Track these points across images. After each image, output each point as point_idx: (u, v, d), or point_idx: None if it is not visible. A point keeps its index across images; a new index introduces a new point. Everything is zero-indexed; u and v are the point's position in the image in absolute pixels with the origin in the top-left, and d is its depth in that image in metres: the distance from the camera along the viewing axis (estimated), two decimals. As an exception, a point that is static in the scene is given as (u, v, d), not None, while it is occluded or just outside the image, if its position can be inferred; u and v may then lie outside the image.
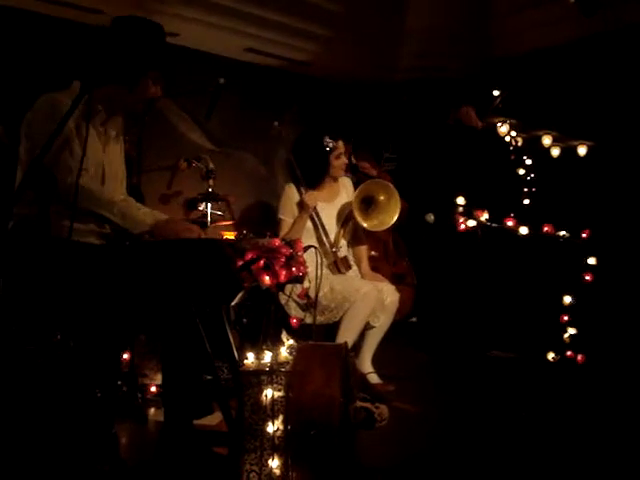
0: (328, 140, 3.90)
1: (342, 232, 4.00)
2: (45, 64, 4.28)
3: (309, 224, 3.93)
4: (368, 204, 3.97)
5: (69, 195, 2.23)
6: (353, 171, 4.70)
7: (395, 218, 3.93)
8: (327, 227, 3.95)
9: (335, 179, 4.04)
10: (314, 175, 3.95)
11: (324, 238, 3.92)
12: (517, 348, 4.60)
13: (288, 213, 3.93)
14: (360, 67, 5.74)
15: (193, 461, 2.30)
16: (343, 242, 4.01)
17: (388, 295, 3.81)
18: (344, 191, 4.11)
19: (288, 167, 4.13)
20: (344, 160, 3.99)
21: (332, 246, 3.91)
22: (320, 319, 3.70)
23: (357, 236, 4.11)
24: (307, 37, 5.24)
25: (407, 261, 5.22)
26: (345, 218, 4.02)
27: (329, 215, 3.97)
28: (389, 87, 6.06)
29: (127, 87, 2.48)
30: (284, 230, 3.91)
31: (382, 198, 3.95)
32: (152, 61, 2.50)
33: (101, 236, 2.49)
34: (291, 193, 3.96)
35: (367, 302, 3.65)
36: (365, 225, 3.92)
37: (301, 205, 3.89)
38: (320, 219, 3.93)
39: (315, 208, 3.90)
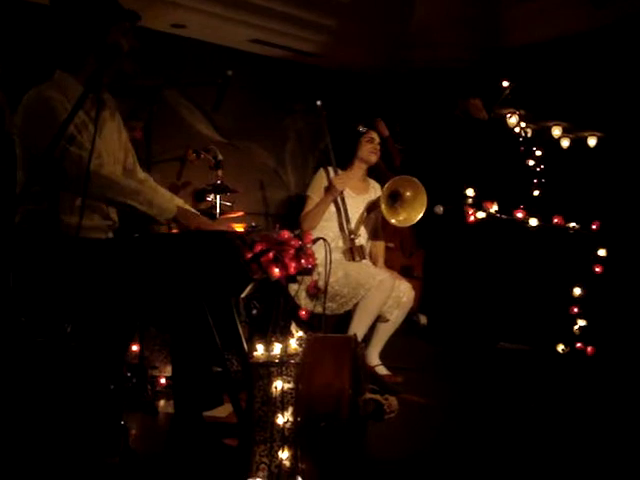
0: (362, 127, 4.05)
1: (363, 223, 4.04)
2: (38, 52, 4.20)
3: (333, 208, 3.96)
4: (394, 199, 3.98)
5: (93, 184, 2.22)
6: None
7: (421, 214, 3.94)
8: (350, 216, 3.96)
9: (366, 165, 4.09)
10: (345, 155, 4.07)
11: (345, 224, 3.94)
12: (527, 340, 4.59)
13: (316, 192, 3.99)
14: (368, 58, 5.72)
15: (203, 453, 2.31)
16: (362, 231, 4.03)
17: (405, 293, 3.79)
18: (373, 192, 4.14)
19: (323, 151, 4.18)
20: (375, 147, 4.05)
21: (351, 233, 3.93)
22: (332, 306, 3.68)
23: (375, 232, 4.15)
24: (313, 28, 5.22)
25: (423, 253, 5.22)
26: (368, 210, 4.06)
27: (354, 207, 4.00)
28: (397, 77, 6.04)
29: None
30: (308, 207, 3.97)
31: (408, 194, 3.96)
32: (109, 14, 2.42)
33: (106, 230, 2.49)
34: (323, 175, 4.02)
35: (382, 290, 3.63)
36: (393, 221, 3.94)
37: (328, 188, 3.92)
38: (345, 205, 3.95)
39: (342, 193, 3.93)
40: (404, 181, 3.97)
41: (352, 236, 3.92)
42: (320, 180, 4.01)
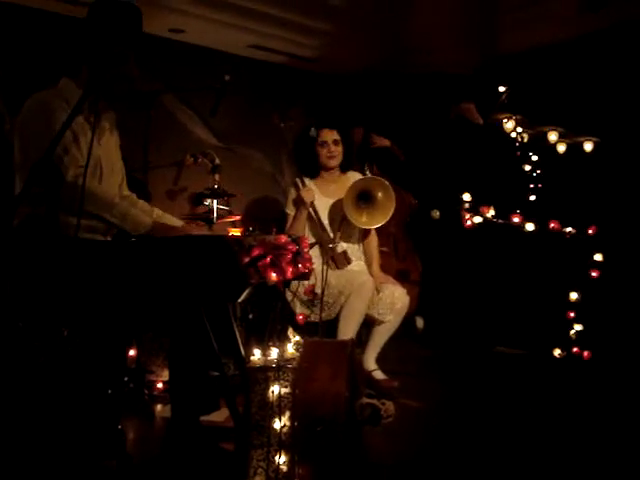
0: (312, 130, 3.87)
1: (341, 227, 3.87)
2: (37, 60, 4.24)
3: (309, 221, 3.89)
4: (366, 200, 3.79)
5: (70, 196, 2.25)
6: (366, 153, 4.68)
7: (386, 219, 3.77)
8: (332, 222, 3.88)
9: (331, 170, 3.94)
10: (310, 167, 3.94)
11: (322, 234, 3.86)
12: (523, 344, 4.60)
13: (290, 207, 3.91)
14: (364, 63, 5.73)
15: (200, 457, 2.31)
16: (345, 235, 3.89)
17: (399, 300, 3.74)
18: None
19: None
20: (329, 149, 3.87)
21: (329, 242, 3.82)
22: (322, 315, 3.67)
23: (367, 233, 3.98)
24: (311, 33, 5.23)
25: (417, 256, 5.21)
26: (344, 214, 3.87)
27: (331, 212, 3.91)
28: (394, 82, 6.05)
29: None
30: (287, 224, 3.90)
31: (380, 195, 3.76)
32: (133, 40, 2.46)
33: (106, 232, 2.50)
34: (293, 189, 3.94)
35: (362, 294, 3.59)
36: (353, 219, 3.75)
37: (297, 201, 3.84)
38: (317, 214, 3.87)
39: (312, 204, 3.84)
40: (375, 182, 3.81)
41: (330, 245, 3.80)
42: (291, 195, 3.92)
